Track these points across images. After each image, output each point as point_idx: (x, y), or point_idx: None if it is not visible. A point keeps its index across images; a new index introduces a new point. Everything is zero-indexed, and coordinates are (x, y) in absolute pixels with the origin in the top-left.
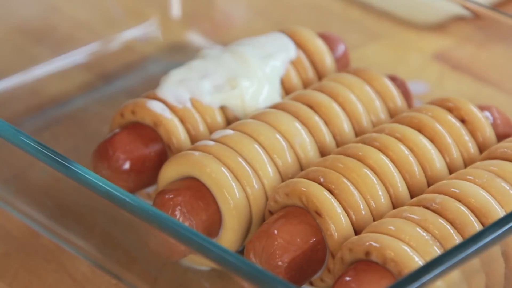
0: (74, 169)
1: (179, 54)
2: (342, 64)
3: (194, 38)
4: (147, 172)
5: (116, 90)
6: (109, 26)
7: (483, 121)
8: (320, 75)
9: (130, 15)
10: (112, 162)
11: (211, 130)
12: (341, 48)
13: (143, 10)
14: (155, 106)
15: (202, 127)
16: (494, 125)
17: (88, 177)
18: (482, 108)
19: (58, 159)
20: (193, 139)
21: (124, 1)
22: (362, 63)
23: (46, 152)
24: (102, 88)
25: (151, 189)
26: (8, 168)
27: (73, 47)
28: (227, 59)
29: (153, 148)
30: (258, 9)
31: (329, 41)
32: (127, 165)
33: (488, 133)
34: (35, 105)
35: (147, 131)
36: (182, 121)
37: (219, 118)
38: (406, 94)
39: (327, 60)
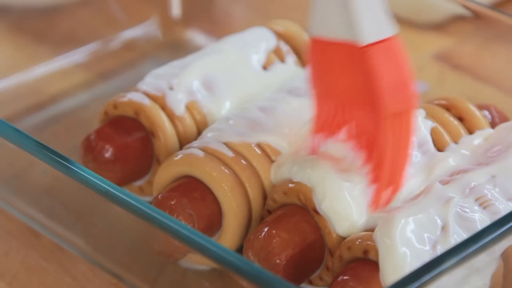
0: (74, 169)
1: (179, 53)
2: None
3: (194, 37)
4: (133, 160)
5: (116, 90)
6: (109, 25)
7: (481, 119)
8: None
9: (130, 15)
10: (95, 153)
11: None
12: None
13: (143, 10)
14: (135, 97)
15: (183, 110)
16: (492, 124)
17: (88, 176)
18: (480, 107)
19: (58, 159)
20: (175, 123)
21: (124, 1)
22: None
23: (46, 152)
24: (102, 88)
25: (142, 181)
26: (8, 168)
27: (73, 47)
28: (205, 52)
29: (136, 136)
30: (258, 9)
31: None
32: (110, 154)
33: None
34: (35, 104)
35: (129, 122)
36: (162, 107)
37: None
38: None
39: None
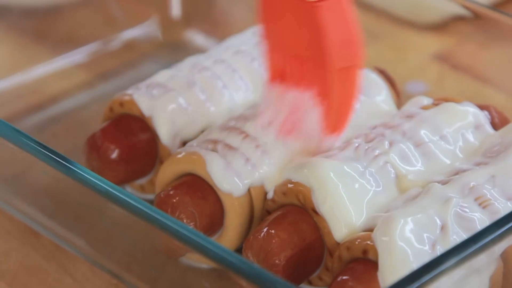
0: (74, 169)
1: (179, 53)
2: None
3: (194, 37)
4: (137, 161)
5: (116, 90)
6: (109, 25)
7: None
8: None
9: (130, 15)
10: (101, 152)
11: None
12: None
13: (143, 10)
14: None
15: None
16: (492, 124)
17: (88, 177)
18: (480, 107)
19: (58, 159)
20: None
21: (124, 1)
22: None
23: (46, 152)
24: (102, 88)
25: (144, 180)
26: (8, 168)
27: (73, 47)
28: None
29: (141, 137)
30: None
31: None
32: (115, 154)
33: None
34: (35, 104)
35: (135, 121)
36: None
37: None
38: (391, 81)
39: None
